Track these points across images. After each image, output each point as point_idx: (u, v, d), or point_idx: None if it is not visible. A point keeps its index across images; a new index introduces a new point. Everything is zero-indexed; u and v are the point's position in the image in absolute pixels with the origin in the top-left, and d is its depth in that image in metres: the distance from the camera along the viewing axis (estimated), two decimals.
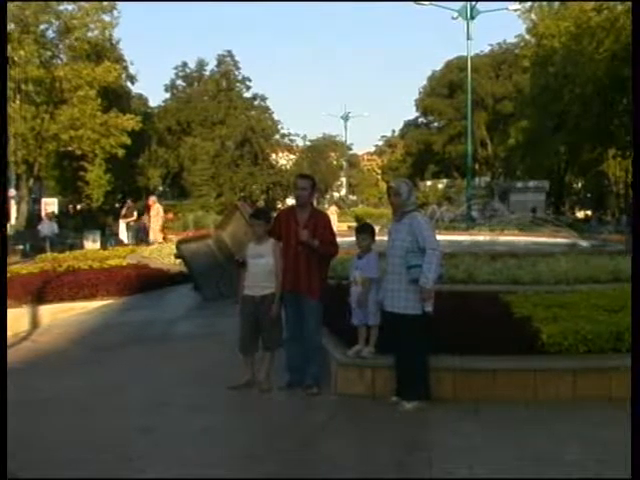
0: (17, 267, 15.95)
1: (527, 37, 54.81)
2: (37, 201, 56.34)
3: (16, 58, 38.69)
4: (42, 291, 12.70)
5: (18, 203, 47.12)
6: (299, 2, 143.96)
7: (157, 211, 28.24)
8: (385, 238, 8.11)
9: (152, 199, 29.06)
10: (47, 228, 30.73)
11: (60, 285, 13.02)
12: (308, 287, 8.10)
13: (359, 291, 8.03)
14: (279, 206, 67.94)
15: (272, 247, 8.16)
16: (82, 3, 45.33)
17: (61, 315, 12.33)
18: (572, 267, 12.39)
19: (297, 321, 8.24)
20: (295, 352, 8.32)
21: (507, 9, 45.92)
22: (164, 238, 27.30)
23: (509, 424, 7.08)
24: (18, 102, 43.21)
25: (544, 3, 50.11)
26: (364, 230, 8.37)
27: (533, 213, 36.01)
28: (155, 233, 27.72)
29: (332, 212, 37.25)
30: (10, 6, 40.69)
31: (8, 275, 14.24)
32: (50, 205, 58.86)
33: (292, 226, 8.21)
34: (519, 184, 54.59)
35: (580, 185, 74.12)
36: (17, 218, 45.45)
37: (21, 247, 28.75)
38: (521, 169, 63.71)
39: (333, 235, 8.37)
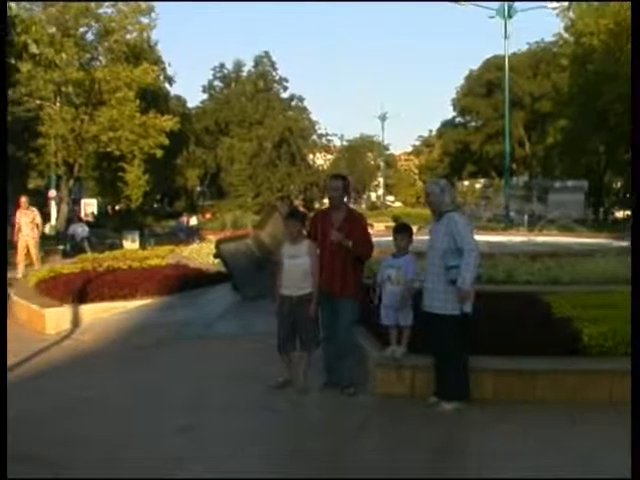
0: (59, 267, 16.11)
1: (565, 35, 54.21)
2: (77, 202, 57.00)
3: (57, 61, 39.16)
4: (83, 290, 12.80)
5: (58, 204, 47.71)
6: (336, 2, 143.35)
7: (32, 217, 21.00)
8: (422, 238, 8.10)
9: (23, 200, 21.22)
10: (73, 229, 30.61)
11: (100, 285, 13.11)
12: (342, 287, 8.10)
13: (396, 290, 8.01)
14: (316, 206, 68.01)
15: (307, 247, 8.19)
16: (121, 6, 45.78)
17: (101, 314, 12.43)
18: (612, 267, 12.26)
19: (332, 321, 8.25)
20: (332, 352, 8.32)
21: (545, 7, 45.61)
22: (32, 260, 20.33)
23: (549, 426, 7.03)
24: (58, 104, 43.77)
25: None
26: (402, 230, 8.33)
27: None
28: (31, 249, 20.57)
29: None
30: (52, 10, 41.32)
31: (52, 274, 14.46)
32: (89, 205, 59.70)
33: (327, 227, 8.23)
34: (557, 184, 54.20)
35: (620, 185, 73.25)
36: (57, 219, 46.01)
37: (61, 247, 29.02)
38: (560, 169, 63.14)
39: (368, 236, 8.35)
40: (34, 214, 20.94)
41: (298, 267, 8.13)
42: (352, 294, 8.13)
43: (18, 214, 20.86)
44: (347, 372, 8.15)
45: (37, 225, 20.89)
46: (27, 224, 20.56)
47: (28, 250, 20.45)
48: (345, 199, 8.45)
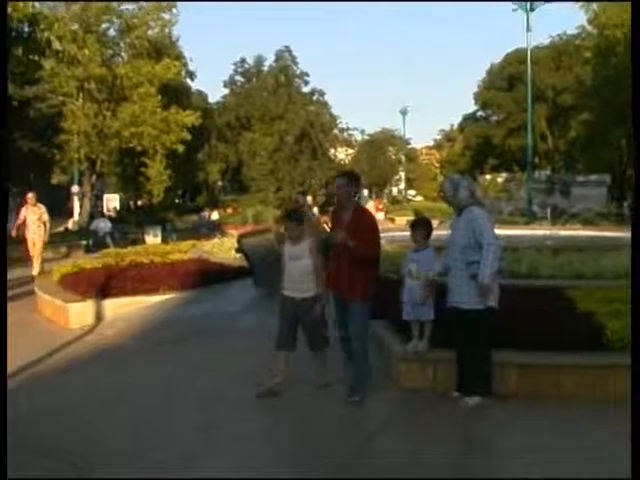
0: (82, 262, 16.18)
1: (588, 28, 53.71)
2: (99, 197, 57.30)
3: (80, 57, 39.36)
4: (106, 285, 12.86)
5: (81, 199, 48.00)
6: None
7: (40, 214, 19.79)
8: (444, 232, 8.07)
9: (30, 196, 20.03)
10: (95, 224, 30.75)
11: (123, 279, 13.15)
12: (350, 288, 7.76)
13: (415, 285, 7.98)
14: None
15: (309, 248, 8.04)
16: (142, 2, 46.01)
17: (124, 309, 12.49)
18: None
19: (344, 321, 7.99)
20: (346, 351, 8.20)
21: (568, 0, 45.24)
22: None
23: (572, 421, 7.00)
24: (81, 100, 43.99)
25: None
26: (420, 225, 8.32)
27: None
28: (37, 254, 19.46)
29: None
30: (74, 7, 41.57)
31: (75, 269, 14.54)
32: (112, 201, 60.00)
33: (336, 226, 8.09)
34: (580, 178, 53.83)
35: None
36: (80, 214, 46.28)
37: (84, 242, 29.15)
38: (582, 162, 62.72)
39: (373, 236, 7.86)
40: (41, 211, 19.70)
41: (300, 269, 7.98)
42: (360, 296, 7.77)
43: (24, 210, 19.74)
44: (351, 374, 7.95)
45: (44, 223, 19.69)
46: (34, 221, 19.51)
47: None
48: (358, 196, 8.20)
